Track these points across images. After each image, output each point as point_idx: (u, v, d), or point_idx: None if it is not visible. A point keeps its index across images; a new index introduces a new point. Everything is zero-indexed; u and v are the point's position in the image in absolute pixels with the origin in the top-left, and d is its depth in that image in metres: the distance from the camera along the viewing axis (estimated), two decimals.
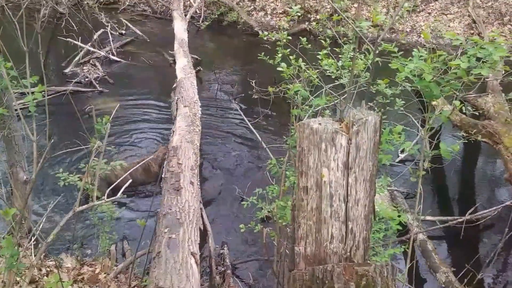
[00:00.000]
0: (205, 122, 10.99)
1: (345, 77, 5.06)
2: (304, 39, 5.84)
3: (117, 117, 12.32)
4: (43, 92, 4.29)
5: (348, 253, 3.12)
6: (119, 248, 8.09)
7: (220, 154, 11.20)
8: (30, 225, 7.39)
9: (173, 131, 9.23)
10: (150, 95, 14.10)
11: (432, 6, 18.68)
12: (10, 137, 7.19)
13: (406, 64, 3.48)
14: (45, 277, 6.49)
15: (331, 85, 5.10)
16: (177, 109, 10.33)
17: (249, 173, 10.49)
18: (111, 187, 5.47)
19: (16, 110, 7.66)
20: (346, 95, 4.65)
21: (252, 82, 13.92)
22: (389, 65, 3.69)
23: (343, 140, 2.92)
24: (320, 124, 2.94)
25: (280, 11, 19.53)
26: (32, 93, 4.16)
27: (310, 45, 5.77)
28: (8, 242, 4.47)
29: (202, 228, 6.69)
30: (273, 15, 19.60)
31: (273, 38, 5.60)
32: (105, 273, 6.83)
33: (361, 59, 5.07)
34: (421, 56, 3.60)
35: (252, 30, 18.94)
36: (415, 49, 3.70)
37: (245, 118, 5.94)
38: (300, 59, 5.12)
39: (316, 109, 4.87)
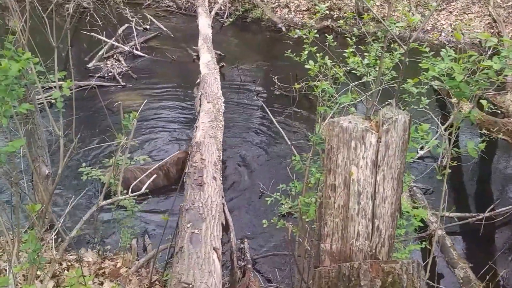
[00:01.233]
0: (227, 118, 11.00)
1: (370, 75, 5.04)
2: (330, 36, 5.80)
3: (140, 112, 12.38)
4: (70, 88, 4.33)
5: (374, 251, 3.12)
6: (140, 243, 8.14)
7: (242, 150, 11.20)
8: (51, 219, 7.46)
9: (196, 127, 9.27)
10: (173, 90, 14.10)
11: (454, 5, 18.52)
12: (33, 131, 7.27)
13: (436, 64, 3.46)
14: (66, 272, 6.54)
15: (357, 82, 5.09)
16: (200, 104, 10.36)
17: (270, 169, 10.48)
18: (134, 182, 5.51)
19: (40, 104, 7.76)
20: (371, 93, 4.63)
21: (275, 78, 13.93)
22: (419, 64, 3.67)
23: (372, 139, 2.91)
24: (350, 122, 2.93)
25: (304, 8, 19.51)
26: (60, 88, 4.19)
27: (335, 42, 5.74)
28: (31, 236, 4.52)
29: (224, 223, 6.73)
30: (297, 12, 19.57)
31: (303, 35, 5.56)
32: (126, 268, 6.87)
33: (389, 58, 5.05)
34: (449, 55, 3.59)
35: (276, 26, 18.96)
36: (443, 49, 3.68)
37: (270, 115, 5.92)
38: (327, 57, 5.11)
39: (341, 106, 4.85)
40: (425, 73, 3.99)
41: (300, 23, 18.80)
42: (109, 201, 5.28)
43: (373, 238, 3.11)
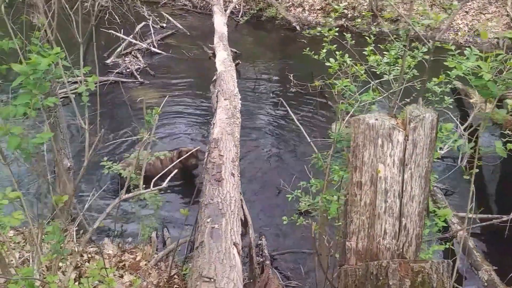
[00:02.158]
0: (243, 115, 10.96)
1: (389, 73, 4.97)
2: (349, 35, 5.74)
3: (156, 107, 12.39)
4: (94, 82, 4.31)
5: (401, 250, 3.07)
6: (159, 236, 8.12)
7: (259, 147, 11.18)
8: (72, 211, 7.45)
9: (213, 123, 9.22)
10: (190, 87, 14.12)
11: (470, 5, 18.34)
12: (56, 125, 7.27)
13: (462, 62, 3.40)
14: (87, 263, 6.54)
15: (378, 81, 5.03)
16: (217, 101, 10.31)
17: (287, 166, 10.46)
18: (157, 177, 5.50)
19: (63, 98, 7.76)
20: (394, 91, 4.58)
21: (290, 76, 13.89)
22: (444, 63, 3.61)
23: (400, 136, 2.87)
24: (376, 119, 2.89)
25: (318, 7, 19.43)
26: (86, 82, 4.18)
27: (353, 41, 5.67)
28: (55, 227, 4.51)
29: (242, 219, 6.68)
30: (311, 11, 19.50)
31: (323, 33, 5.51)
32: (145, 261, 6.86)
33: (410, 57, 4.98)
34: (475, 54, 3.52)
35: (290, 25, 18.94)
36: (468, 48, 3.62)
37: (291, 113, 5.86)
38: (346, 55, 5.05)
39: (361, 104, 4.79)
40: (448, 71, 3.93)
41: (314, 22, 18.75)
42: (131, 194, 5.27)
43: (400, 237, 3.06)
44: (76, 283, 5.25)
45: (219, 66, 12.60)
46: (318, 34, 5.62)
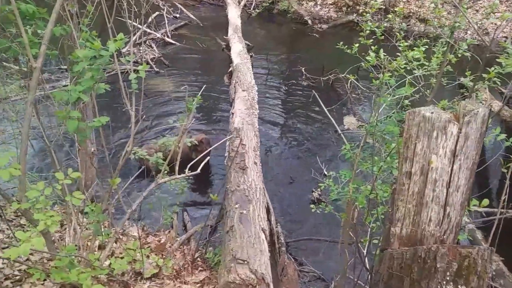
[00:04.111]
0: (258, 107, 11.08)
1: (426, 68, 5.08)
2: (379, 30, 5.81)
3: (174, 97, 12.51)
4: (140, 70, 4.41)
5: (443, 236, 3.20)
6: (179, 220, 8.24)
7: (272, 138, 11.27)
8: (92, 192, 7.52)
9: (233, 113, 9.34)
10: (204, 78, 14.16)
11: (480, 3, 18.40)
12: (83, 110, 7.36)
13: None
14: (114, 244, 6.66)
15: (412, 76, 5.14)
16: (235, 92, 10.43)
17: (300, 156, 10.58)
18: (192, 162, 5.62)
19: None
20: (421, 84, 4.69)
21: (303, 69, 13.99)
22: (497, 59, 3.72)
23: (454, 129, 2.99)
24: (432, 112, 3.01)
25: (330, 2, 19.52)
26: (136, 71, 4.29)
27: (383, 36, 5.78)
28: (97, 208, 4.64)
29: (266, 206, 6.82)
30: (323, 6, 19.59)
31: (373, 29, 5.60)
32: (170, 243, 6.99)
33: (440, 54, 5.10)
34: None
35: (302, 19, 19.01)
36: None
37: (322, 104, 5.95)
38: (381, 50, 5.15)
39: (395, 97, 4.91)
40: (487, 68, 4.04)
41: (325, 17, 18.84)
42: (167, 179, 5.39)
43: (443, 224, 3.19)
44: (108, 262, 5.36)
45: (235, 58, 12.72)
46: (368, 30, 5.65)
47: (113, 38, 3.96)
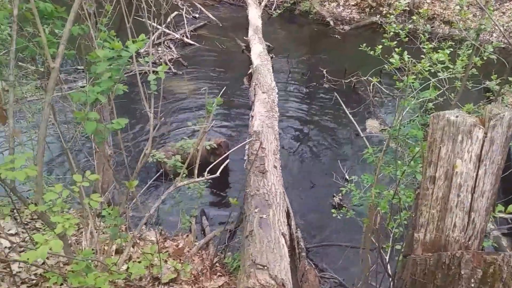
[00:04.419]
0: (279, 109, 11.10)
1: (452, 71, 5.08)
2: (403, 32, 5.83)
3: (190, 100, 12.59)
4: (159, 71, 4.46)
5: (468, 243, 3.21)
6: (198, 225, 8.28)
7: (292, 141, 11.29)
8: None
9: (252, 116, 9.40)
10: (223, 80, 14.18)
11: (507, 5, 18.28)
12: (100, 112, 7.43)
13: None
14: (132, 249, 6.72)
15: (436, 78, 5.15)
16: (255, 94, 10.49)
17: (320, 160, 10.60)
18: (211, 166, 5.66)
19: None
20: (458, 90, 4.70)
21: (324, 71, 14.01)
22: None
23: (480, 133, 2.99)
24: (457, 116, 3.02)
25: (353, 3, 19.50)
26: (155, 72, 4.34)
27: (407, 38, 5.80)
28: (115, 211, 4.69)
29: (286, 211, 6.85)
30: (345, 7, 19.59)
31: (399, 31, 5.62)
32: (188, 248, 7.04)
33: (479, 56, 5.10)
34: None
35: (323, 20, 19.01)
36: None
37: (344, 107, 5.99)
38: (405, 52, 5.17)
39: (419, 100, 4.92)
40: None
41: (348, 18, 18.83)
42: (186, 182, 5.44)
43: (467, 230, 3.19)
44: (125, 266, 5.42)
45: (255, 59, 12.77)
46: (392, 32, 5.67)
47: (133, 39, 4.00)
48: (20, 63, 7.93)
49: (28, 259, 3.37)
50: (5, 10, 4.20)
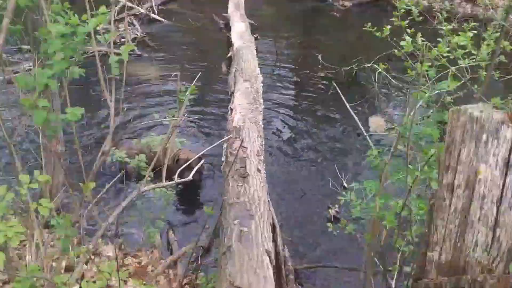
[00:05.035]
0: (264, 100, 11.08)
1: (464, 58, 5.07)
2: (416, 11, 5.83)
3: (159, 87, 12.54)
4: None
5: (492, 264, 3.21)
6: (163, 239, 8.24)
7: (279, 140, 11.27)
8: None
9: (232, 109, 9.35)
10: (197, 64, 14.13)
11: None
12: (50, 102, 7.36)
13: None
14: (84, 265, 6.68)
15: (456, 67, 5.13)
16: (235, 83, 10.43)
17: (312, 165, 10.58)
18: (182, 167, 5.64)
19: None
20: (483, 81, 4.69)
21: (319, 57, 13.96)
22: None
23: (508, 133, 2.97)
24: (481, 112, 3.01)
25: None
26: (118, 54, 4.30)
27: (421, 17, 5.80)
28: (67, 220, 4.64)
29: (271, 223, 6.83)
30: None
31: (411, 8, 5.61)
32: (152, 266, 7.02)
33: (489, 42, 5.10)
34: None
35: None
36: None
37: (344, 100, 5.94)
38: (419, 33, 5.16)
39: (435, 92, 4.90)
40: None
41: None
42: (151, 186, 5.40)
43: (491, 250, 3.19)
44: (77, 286, 5.38)
45: (236, 40, 12.73)
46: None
47: (91, 12, 3.96)
48: None
49: None
50: None
